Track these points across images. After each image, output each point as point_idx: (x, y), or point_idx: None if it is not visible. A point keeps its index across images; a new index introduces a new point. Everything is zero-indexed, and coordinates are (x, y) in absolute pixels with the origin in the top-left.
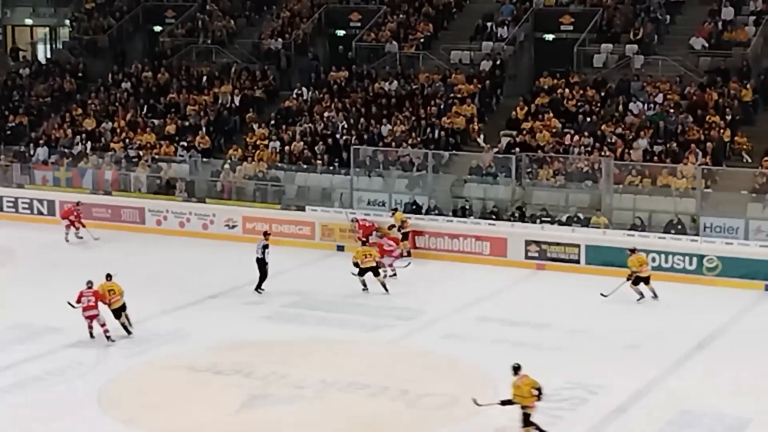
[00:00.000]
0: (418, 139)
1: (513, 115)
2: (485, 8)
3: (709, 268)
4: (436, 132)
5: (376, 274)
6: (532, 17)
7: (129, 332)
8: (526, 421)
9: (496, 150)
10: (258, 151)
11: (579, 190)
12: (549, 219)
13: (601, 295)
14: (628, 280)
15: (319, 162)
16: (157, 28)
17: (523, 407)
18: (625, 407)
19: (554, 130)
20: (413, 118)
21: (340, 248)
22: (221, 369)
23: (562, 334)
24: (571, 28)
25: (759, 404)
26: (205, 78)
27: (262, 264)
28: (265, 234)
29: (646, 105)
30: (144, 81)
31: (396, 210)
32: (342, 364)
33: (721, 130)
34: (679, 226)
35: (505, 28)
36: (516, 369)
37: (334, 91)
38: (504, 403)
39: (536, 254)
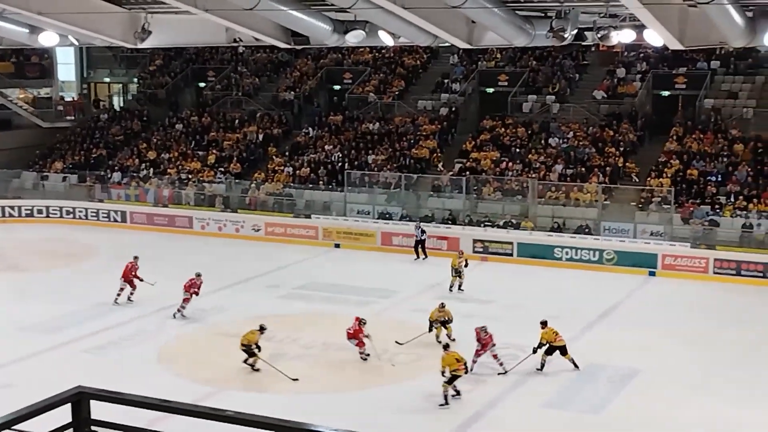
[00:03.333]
0: (394, 165)
1: (464, 148)
2: (443, 69)
3: (608, 259)
4: (407, 160)
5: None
6: (478, 75)
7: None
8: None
9: (451, 173)
10: (276, 175)
11: (512, 202)
12: (490, 224)
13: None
14: (537, 350)
15: (321, 182)
16: (201, 84)
17: (453, 371)
18: (547, 361)
19: (494, 159)
20: (390, 150)
21: (337, 245)
22: None
23: (501, 308)
24: (506, 83)
25: (645, 358)
26: (237, 121)
27: None
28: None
29: (561, 140)
30: (192, 123)
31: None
32: (339, 331)
33: (616, 158)
34: (586, 229)
35: (458, 83)
36: (446, 347)
37: (332, 130)
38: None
39: (481, 249)
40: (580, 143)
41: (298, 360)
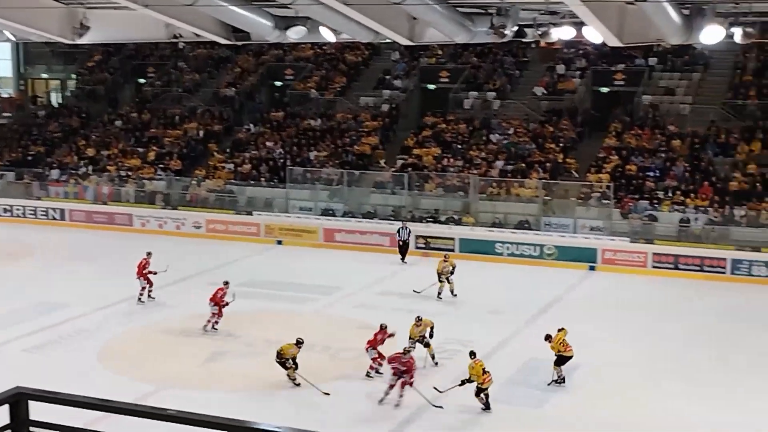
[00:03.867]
0: (336, 161)
1: (405, 144)
2: (385, 66)
3: (549, 254)
4: (350, 156)
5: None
6: (419, 72)
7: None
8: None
9: (393, 169)
10: (217, 171)
11: (454, 198)
12: (432, 219)
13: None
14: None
15: (263, 179)
16: (141, 80)
17: (479, 383)
18: (489, 356)
19: (435, 155)
20: (332, 146)
21: (279, 242)
22: (191, 332)
23: (444, 303)
24: (447, 80)
25: (585, 352)
26: (177, 117)
27: None
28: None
29: (502, 136)
30: (131, 120)
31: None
32: (281, 328)
33: (556, 154)
34: (527, 224)
35: (399, 80)
36: (472, 354)
37: (274, 126)
38: (463, 382)
39: (423, 245)
40: (521, 139)
41: (241, 357)
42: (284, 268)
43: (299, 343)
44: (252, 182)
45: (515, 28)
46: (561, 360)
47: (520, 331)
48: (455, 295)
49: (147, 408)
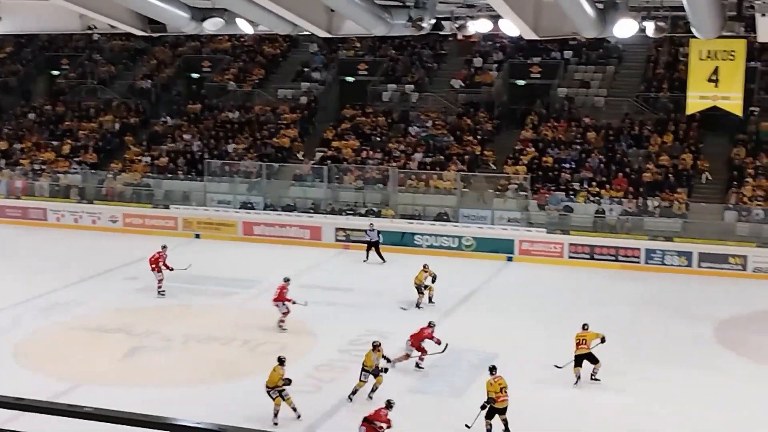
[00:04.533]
0: (255, 154)
1: (325, 137)
2: (303, 57)
3: (467, 246)
4: (268, 149)
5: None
6: (337, 64)
7: None
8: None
9: (312, 162)
10: (134, 165)
11: (373, 190)
12: (352, 212)
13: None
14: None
15: (180, 172)
16: (55, 72)
17: (493, 402)
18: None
19: (355, 148)
20: (251, 138)
21: (197, 236)
22: (108, 328)
23: (363, 295)
24: (366, 72)
25: (504, 342)
26: (92, 110)
27: None
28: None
29: (420, 128)
30: (45, 112)
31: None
32: (201, 322)
33: (474, 147)
34: (445, 216)
35: (318, 72)
36: (492, 369)
37: (191, 119)
38: (485, 404)
39: (343, 238)
40: (439, 132)
41: (160, 353)
42: (203, 262)
43: (282, 361)
44: (169, 175)
45: (433, 21)
46: (580, 359)
47: (440, 322)
48: (433, 302)
49: (63, 406)
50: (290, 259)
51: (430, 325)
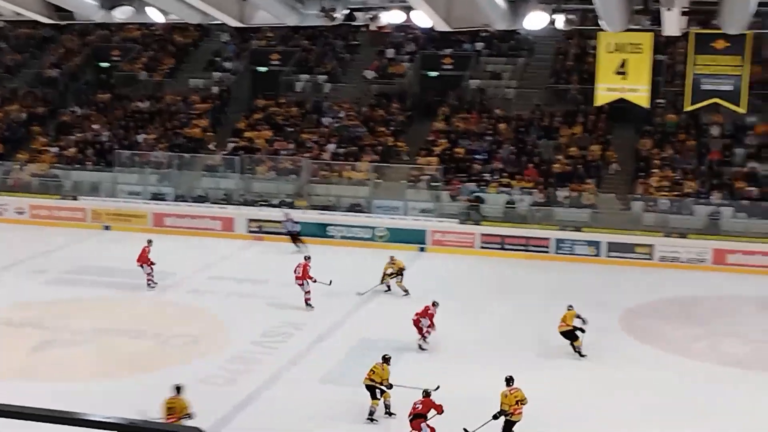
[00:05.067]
0: (166, 144)
1: (237, 127)
2: (214, 47)
3: (380, 236)
4: (179, 139)
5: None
6: (249, 54)
7: None
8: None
9: (224, 152)
10: (41, 155)
11: (286, 181)
12: (264, 203)
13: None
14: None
15: (89, 163)
16: None
17: (507, 415)
18: (323, 337)
19: (267, 138)
20: (162, 128)
21: (107, 227)
22: (16, 322)
23: (277, 287)
24: (278, 62)
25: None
26: None
27: None
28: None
29: (333, 119)
30: None
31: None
32: (111, 315)
33: (387, 138)
34: (358, 207)
35: (230, 62)
36: (509, 381)
37: (100, 108)
38: (497, 415)
39: (256, 229)
40: (352, 123)
41: (69, 347)
42: (113, 254)
43: (387, 359)
44: (78, 166)
45: (345, 12)
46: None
47: (353, 313)
48: (408, 293)
49: None
50: (202, 251)
51: (434, 304)
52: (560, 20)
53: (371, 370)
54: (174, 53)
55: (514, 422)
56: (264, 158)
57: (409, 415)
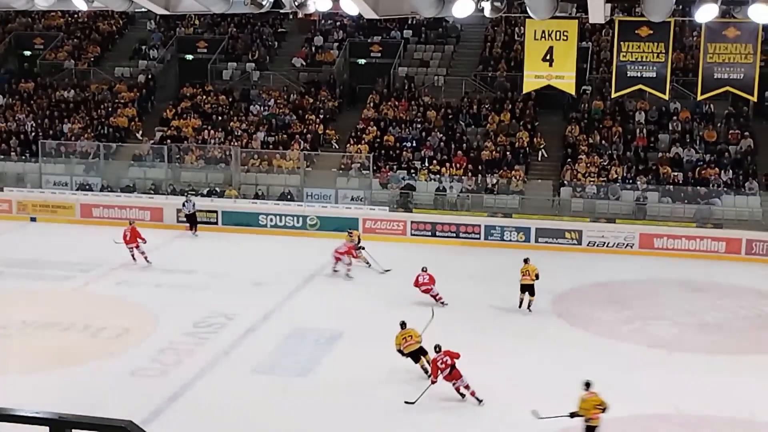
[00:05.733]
0: (92, 134)
1: (164, 116)
2: (140, 35)
3: (311, 225)
4: (106, 129)
5: (417, 359)
6: (176, 42)
7: None
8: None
9: (152, 142)
10: None
11: (215, 170)
12: (194, 192)
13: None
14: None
15: (13, 153)
16: None
17: (586, 420)
18: (254, 327)
19: (195, 127)
20: (87, 118)
21: (33, 219)
22: None
23: (207, 277)
24: (205, 50)
25: (347, 320)
26: None
27: None
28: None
29: (262, 107)
30: None
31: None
32: (38, 308)
33: (316, 126)
34: (289, 195)
35: (156, 50)
36: (587, 385)
37: (24, 97)
38: (572, 415)
39: (185, 219)
40: (281, 111)
41: None
42: (39, 246)
43: (404, 323)
44: (2, 157)
45: None
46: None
47: (285, 301)
48: (369, 265)
49: None
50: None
51: (424, 270)
52: (487, 8)
53: (408, 335)
54: (99, 41)
55: (594, 427)
56: (192, 147)
57: (443, 370)
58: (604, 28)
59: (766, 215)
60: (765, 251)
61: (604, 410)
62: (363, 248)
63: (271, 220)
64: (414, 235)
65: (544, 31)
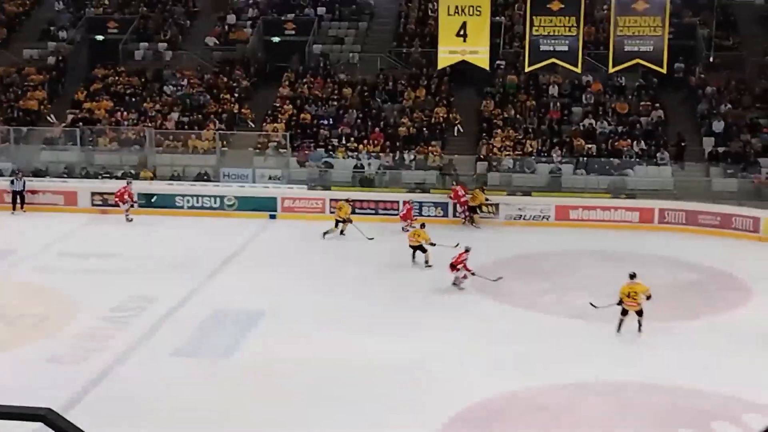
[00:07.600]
0: (1, 118)
1: (76, 98)
2: (48, 16)
3: (229, 205)
4: (15, 112)
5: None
6: (86, 23)
7: None
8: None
9: (64, 125)
10: None
11: (130, 152)
12: (108, 175)
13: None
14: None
15: None
16: None
17: (618, 303)
18: (175, 310)
19: (108, 108)
20: None
21: None
22: None
23: (125, 260)
24: (116, 31)
25: (270, 299)
26: None
27: None
28: None
29: (176, 87)
30: None
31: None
32: None
33: (232, 105)
34: (206, 176)
35: (65, 31)
36: (631, 276)
37: None
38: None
39: (100, 203)
40: (195, 90)
41: None
42: None
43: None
44: None
45: None
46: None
47: (205, 283)
48: (343, 234)
49: None
50: (44, 227)
51: (467, 250)
52: None
53: (416, 233)
54: (5, 23)
55: (627, 310)
56: (106, 129)
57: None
58: (517, 3)
59: (677, 185)
60: (677, 220)
61: (648, 297)
62: (350, 221)
63: (188, 201)
64: (333, 212)
65: (457, 7)
